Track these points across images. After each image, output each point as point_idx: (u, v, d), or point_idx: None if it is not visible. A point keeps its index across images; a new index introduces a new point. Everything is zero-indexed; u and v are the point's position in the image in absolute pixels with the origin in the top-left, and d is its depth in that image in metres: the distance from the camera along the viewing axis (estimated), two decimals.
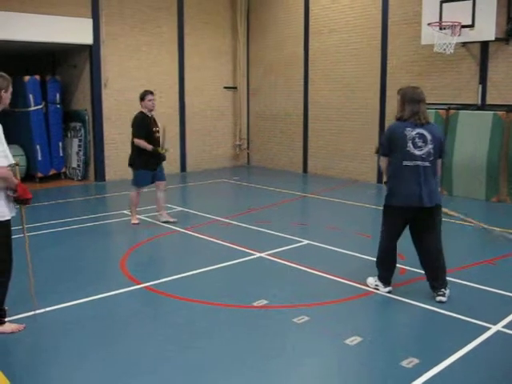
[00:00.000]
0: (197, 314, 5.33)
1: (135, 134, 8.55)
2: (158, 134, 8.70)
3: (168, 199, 10.71)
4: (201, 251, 7.58)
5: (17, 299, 5.13)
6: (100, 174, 13.36)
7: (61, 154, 13.50)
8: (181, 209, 10.12)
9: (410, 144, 5.37)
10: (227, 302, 5.60)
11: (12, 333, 4.72)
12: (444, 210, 6.52)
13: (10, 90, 4.75)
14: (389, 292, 5.73)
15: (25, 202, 4.75)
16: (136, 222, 8.85)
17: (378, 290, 5.78)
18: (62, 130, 13.54)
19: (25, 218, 4.93)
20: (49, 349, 4.57)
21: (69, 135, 13.78)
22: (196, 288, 6.02)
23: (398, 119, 5.55)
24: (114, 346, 4.62)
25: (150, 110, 8.68)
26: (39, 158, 12.92)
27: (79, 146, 13.53)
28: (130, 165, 8.80)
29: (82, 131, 13.43)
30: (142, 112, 8.65)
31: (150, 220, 9.11)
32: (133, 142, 8.61)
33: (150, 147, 8.47)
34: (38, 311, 5.13)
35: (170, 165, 14.45)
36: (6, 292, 4.74)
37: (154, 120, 8.82)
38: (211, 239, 7.93)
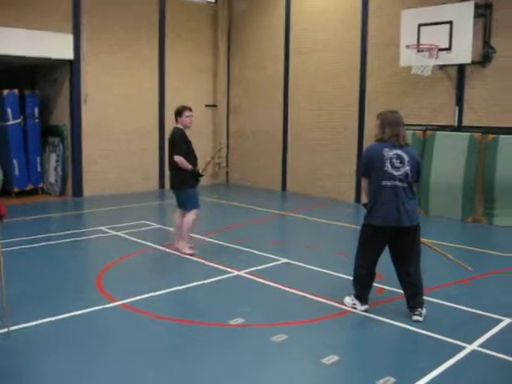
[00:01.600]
0: (172, 331, 5.29)
1: (176, 151, 7.83)
2: (195, 153, 8.08)
3: (145, 216, 10.70)
4: (178, 269, 7.54)
5: None
6: (78, 190, 13.25)
7: (38, 169, 13.37)
8: (158, 226, 10.07)
9: (387, 164, 5.43)
10: (203, 319, 5.56)
11: None
12: (438, 249, 6.61)
13: None
14: (366, 310, 5.75)
15: None
16: (193, 251, 8.00)
17: (355, 308, 5.79)
18: (41, 145, 13.44)
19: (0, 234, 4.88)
20: (20, 367, 4.50)
21: (47, 150, 13.68)
22: (172, 306, 5.99)
23: (378, 140, 5.61)
24: (88, 364, 4.56)
25: (187, 127, 8.04)
26: (16, 173, 12.79)
27: (57, 161, 13.43)
28: (175, 186, 8.03)
29: (61, 146, 13.34)
30: (179, 128, 8.01)
31: (126, 237, 9.04)
32: (172, 161, 7.93)
33: (189, 167, 7.82)
34: (11, 328, 5.05)
35: (149, 182, 14.45)
36: None
37: (188, 139, 8.12)
38: (188, 257, 7.89)
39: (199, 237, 8.94)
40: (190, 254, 7.89)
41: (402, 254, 5.63)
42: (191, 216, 7.95)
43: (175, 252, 8.11)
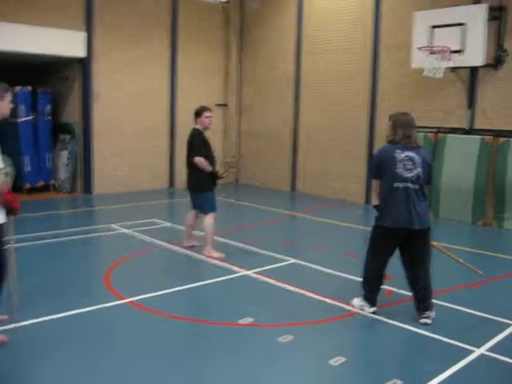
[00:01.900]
0: (181, 330, 5.29)
1: (195, 152, 7.69)
2: (214, 154, 8.03)
3: (156, 214, 10.72)
4: (186, 267, 7.56)
5: None
6: (88, 187, 13.30)
7: (49, 166, 13.44)
8: (168, 224, 10.08)
9: (399, 166, 5.42)
10: (212, 319, 5.57)
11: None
12: (448, 252, 6.60)
13: (8, 98, 4.75)
14: (374, 313, 5.73)
15: (12, 210, 4.72)
16: (221, 255, 7.78)
17: (363, 310, 5.78)
18: (52, 142, 13.51)
19: (12, 229, 4.91)
20: (27, 364, 4.52)
21: (58, 147, 13.74)
22: (181, 304, 5.99)
23: (389, 142, 5.60)
24: (94, 361, 4.57)
25: (206, 128, 7.90)
26: (27, 169, 12.86)
27: (68, 158, 13.49)
28: (193, 188, 7.93)
29: (71, 143, 13.40)
30: (197, 129, 7.86)
31: (136, 235, 9.06)
32: (190, 162, 7.81)
33: (209, 168, 7.69)
34: (19, 324, 5.08)
35: (159, 180, 14.48)
36: None
37: (207, 140, 7.99)
38: (197, 255, 7.90)
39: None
40: (218, 258, 7.70)
41: (412, 257, 5.61)
42: (210, 220, 7.83)
43: (184, 250, 8.12)
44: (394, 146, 5.52)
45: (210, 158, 7.83)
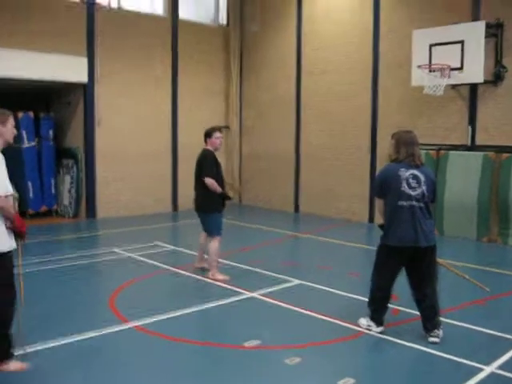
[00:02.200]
0: (187, 354, 5.25)
1: (206, 173, 7.62)
2: (222, 174, 8.01)
3: (159, 238, 10.71)
4: (191, 291, 7.52)
5: None
6: (91, 212, 13.31)
7: (52, 191, 13.48)
8: (172, 247, 10.06)
9: (404, 184, 5.42)
10: (218, 342, 5.53)
11: (14, 371, 4.66)
12: (455, 270, 6.59)
13: (11, 123, 4.78)
14: (381, 332, 5.69)
15: (20, 235, 4.74)
16: (226, 277, 7.78)
17: (370, 330, 5.74)
18: (55, 167, 13.56)
19: (21, 253, 4.94)
20: None
21: (61, 172, 13.78)
22: (186, 328, 5.95)
23: (393, 161, 5.60)
24: None
25: (216, 149, 7.85)
26: (31, 195, 12.89)
27: (71, 183, 13.52)
28: (201, 209, 7.86)
29: (75, 168, 13.44)
30: (208, 149, 7.82)
31: (139, 258, 9.04)
32: (199, 183, 7.78)
33: (219, 189, 7.65)
34: (28, 350, 5.06)
35: (162, 204, 14.49)
36: (11, 323, 4.70)
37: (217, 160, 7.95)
38: (202, 278, 7.87)
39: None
40: (223, 280, 7.67)
41: (418, 275, 5.57)
42: (215, 243, 7.80)
43: (188, 274, 8.10)
44: (398, 164, 5.52)
45: (220, 179, 7.79)
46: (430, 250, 5.52)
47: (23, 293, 5.05)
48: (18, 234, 4.72)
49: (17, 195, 4.77)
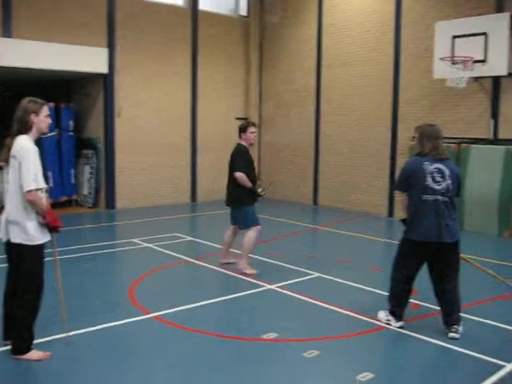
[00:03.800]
0: (205, 345, 5.25)
1: (237, 167, 7.53)
2: (255, 172, 7.90)
3: (178, 229, 10.74)
4: (210, 282, 7.53)
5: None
6: (111, 202, 13.38)
7: (72, 181, 13.56)
8: (190, 239, 10.08)
9: (428, 178, 5.36)
10: (236, 334, 5.53)
11: (37, 361, 4.71)
12: (478, 265, 6.52)
13: (44, 113, 4.74)
14: (401, 327, 5.64)
15: (53, 229, 4.76)
16: (253, 271, 7.66)
17: (389, 324, 5.69)
18: (75, 158, 13.64)
19: (55, 246, 5.01)
20: (49, 379, 4.52)
21: (81, 162, 13.87)
22: (205, 319, 5.95)
23: (418, 154, 5.53)
24: (122, 377, 4.55)
25: (251, 144, 7.80)
26: (51, 185, 12.97)
27: (91, 173, 13.60)
28: (232, 203, 7.78)
29: (94, 159, 13.51)
30: (242, 144, 7.74)
31: (158, 249, 9.07)
32: (231, 177, 7.67)
33: (249, 184, 7.55)
34: (70, 333, 5.21)
35: (181, 195, 14.52)
36: (36, 316, 4.76)
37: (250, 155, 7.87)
38: (221, 270, 7.88)
39: (232, 250, 8.90)
40: (250, 274, 7.54)
41: (440, 270, 5.52)
42: (252, 234, 7.64)
43: (207, 265, 8.11)
44: (423, 158, 5.45)
45: (251, 174, 7.68)
46: (453, 246, 5.45)
47: (60, 281, 5.19)
48: (51, 229, 4.75)
49: (47, 187, 4.78)
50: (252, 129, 7.71)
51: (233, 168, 7.66)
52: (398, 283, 5.65)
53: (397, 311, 5.70)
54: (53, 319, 5.41)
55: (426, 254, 5.48)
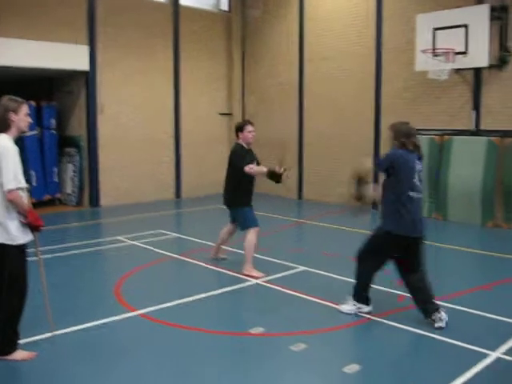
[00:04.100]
0: (192, 341, 5.25)
1: (241, 164, 7.27)
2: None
3: (163, 225, 10.71)
4: (196, 278, 7.52)
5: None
6: (94, 200, 13.31)
7: (55, 180, 13.46)
8: (175, 235, 10.06)
9: (416, 176, 5.51)
10: (223, 329, 5.54)
11: (23, 360, 4.68)
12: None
13: (24, 112, 4.72)
14: (369, 312, 5.79)
15: (35, 228, 4.73)
16: (260, 274, 7.32)
17: (361, 312, 5.80)
18: (57, 156, 13.53)
19: (38, 245, 4.98)
20: (36, 377, 4.49)
21: (64, 161, 13.76)
22: (191, 315, 5.95)
23: (402, 147, 5.54)
24: (108, 375, 4.54)
25: (249, 143, 7.58)
26: (33, 184, 12.86)
27: (74, 171, 13.51)
28: (230, 204, 7.60)
29: (77, 157, 13.42)
30: (239, 144, 7.56)
31: (143, 246, 9.04)
32: (228, 177, 7.59)
33: (265, 169, 7.25)
34: (56, 332, 5.19)
35: (165, 191, 14.48)
36: (21, 316, 4.73)
37: (252, 152, 7.70)
38: (206, 265, 7.88)
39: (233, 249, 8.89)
40: (257, 277, 7.24)
41: (413, 261, 5.65)
42: (251, 236, 7.39)
43: (193, 261, 8.10)
44: (411, 154, 5.53)
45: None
46: (422, 238, 5.68)
47: (45, 281, 5.15)
48: (33, 228, 4.72)
49: (27, 186, 4.75)
50: (249, 127, 7.52)
51: (230, 169, 7.54)
52: (370, 273, 5.76)
53: (366, 297, 5.83)
54: (38, 319, 5.36)
55: (401, 248, 5.59)
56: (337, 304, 6.09)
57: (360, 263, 5.81)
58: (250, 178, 7.47)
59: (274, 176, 7.29)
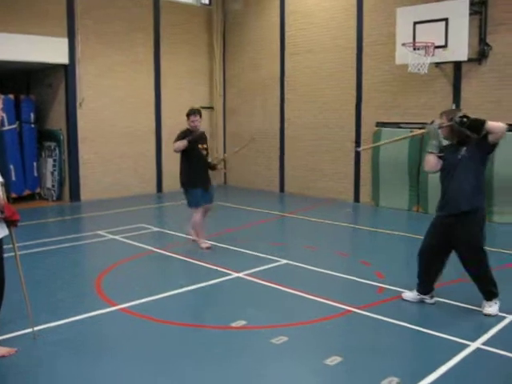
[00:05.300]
0: (174, 335, 5.24)
1: (174, 141, 8.19)
2: (204, 152, 8.32)
3: (144, 219, 10.66)
4: (177, 271, 7.51)
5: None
6: (75, 195, 13.20)
7: (35, 174, 13.33)
8: (156, 229, 10.02)
9: None
10: (205, 322, 5.53)
11: (2, 357, 4.62)
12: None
13: None
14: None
15: (12, 223, 4.67)
16: (208, 245, 8.40)
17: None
18: (37, 150, 13.39)
19: (15, 240, 4.94)
20: (17, 374, 4.45)
21: (43, 155, 13.62)
22: (173, 309, 5.93)
23: None
24: (90, 369, 4.51)
25: (193, 130, 8.21)
26: (13, 179, 12.73)
27: (54, 165, 13.38)
28: (181, 185, 8.40)
29: (57, 151, 13.29)
30: (186, 128, 8.28)
31: (124, 240, 9.00)
32: (181, 161, 8.31)
33: (185, 142, 8.00)
34: (36, 328, 5.12)
35: (147, 185, 14.41)
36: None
37: (203, 136, 8.40)
38: (188, 259, 7.85)
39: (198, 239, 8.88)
40: (207, 248, 8.27)
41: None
42: (194, 217, 8.34)
43: (175, 255, 8.08)
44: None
45: (194, 152, 8.17)
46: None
47: (23, 276, 5.10)
48: (10, 223, 4.66)
49: (3, 181, 4.68)
50: (192, 117, 8.17)
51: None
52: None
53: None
54: (17, 315, 5.32)
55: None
56: (318, 296, 6.10)
57: (485, 257, 5.88)
58: (195, 159, 8.16)
59: (208, 163, 8.45)
